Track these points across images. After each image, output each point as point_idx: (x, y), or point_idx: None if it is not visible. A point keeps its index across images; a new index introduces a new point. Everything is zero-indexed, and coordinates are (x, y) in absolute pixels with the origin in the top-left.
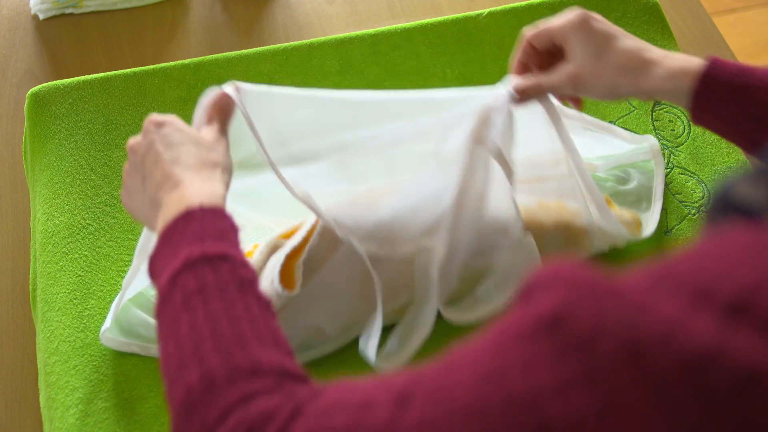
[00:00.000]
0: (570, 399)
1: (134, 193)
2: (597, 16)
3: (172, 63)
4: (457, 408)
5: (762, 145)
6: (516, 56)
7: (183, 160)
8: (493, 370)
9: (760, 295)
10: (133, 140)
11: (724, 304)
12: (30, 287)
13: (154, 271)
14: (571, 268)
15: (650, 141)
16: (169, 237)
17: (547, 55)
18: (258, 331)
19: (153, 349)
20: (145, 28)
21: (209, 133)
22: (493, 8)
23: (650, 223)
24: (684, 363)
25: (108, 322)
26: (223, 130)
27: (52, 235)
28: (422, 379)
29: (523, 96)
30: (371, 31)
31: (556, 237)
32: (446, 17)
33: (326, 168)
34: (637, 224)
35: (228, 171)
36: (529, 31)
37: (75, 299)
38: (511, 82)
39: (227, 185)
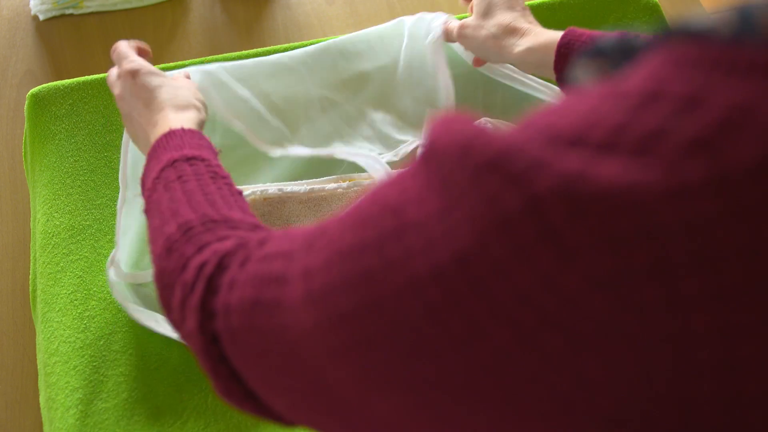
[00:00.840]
0: (425, 205)
1: (131, 122)
2: None
3: (172, 63)
4: (343, 218)
5: None
6: None
7: (160, 103)
8: (377, 196)
9: (558, 124)
10: (115, 85)
11: (540, 126)
12: (30, 288)
13: (144, 185)
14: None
15: None
16: (154, 152)
17: None
18: (229, 203)
19: (143, 317)
20: (145, 28)
21: (177, 75)
22: None
23: None
24: (494, 154)
25: (119, 257)
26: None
27: (53, 236)
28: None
29: (444, 38)
30: None
31: None
32: None
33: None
34: None
35: (199, 108)
36: None
37: (75, 300)
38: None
39: (202, 118)
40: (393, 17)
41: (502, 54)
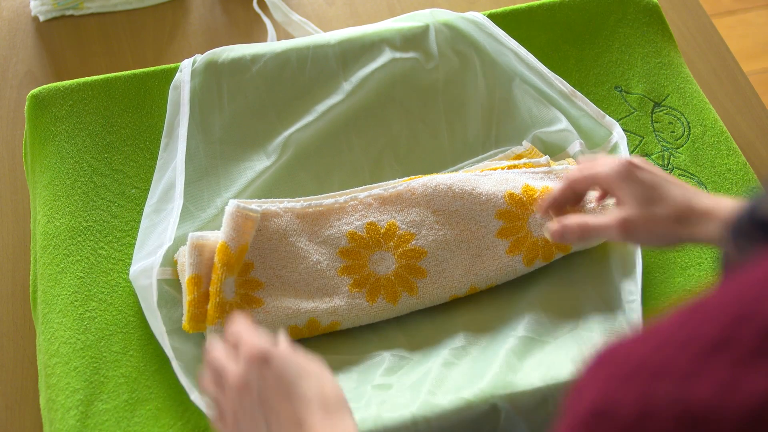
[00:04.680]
0: None
1: (258, 424)
2: (641, 164)
3: (172, 65)
4: None
5: None
6: (553, 196)
7: (305, 401)
8: None
9: None
10: (237, 378)
11: (763, 328)
12: (30, 289)
13: None
14: (606, 353)
15: (615, 128)
16: None
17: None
18: None
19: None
20: (145, 29)
21: (311, 360)
22: (492, 10)
23: None
24: (745, 419)
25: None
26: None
27: (53, 237)
28: None
29: (565, 237)
30: None
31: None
32: None
33: None
34: None
35: (348, 404)
36: (572, 175)
37: (76, 301)
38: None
39: (353, 420)
40: (392, 17)
41: (694, 235)
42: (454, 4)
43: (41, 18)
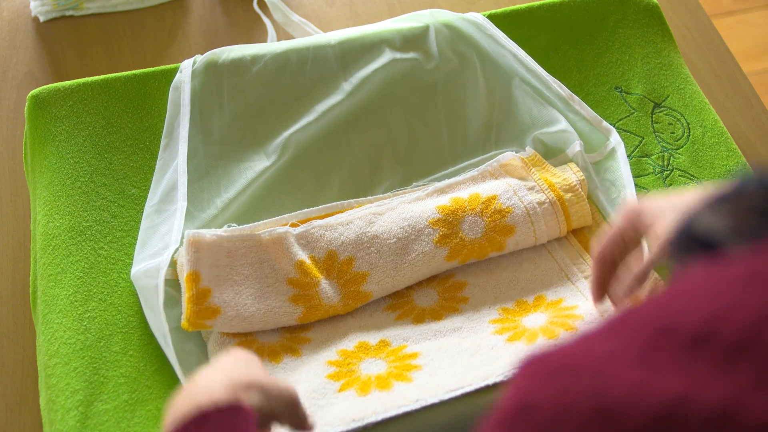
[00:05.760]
0: None
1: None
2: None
3: (172, 65)
4: None
5: None
6: (594, 280)
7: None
8: None
9: (717, 326)
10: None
11: (682, 340)
12: (30, 289)
13: None
14: (536, 355)
15: (612, 134)
16: None
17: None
18: None
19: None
20: (145, 30)
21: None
22: (493, 10)
23: None
24: (654, 418)
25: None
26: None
27: (53, 237)
28: None
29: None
30: None
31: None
32: None
33: None
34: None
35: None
36: (599, 247)
37: (76, 301)
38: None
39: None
40: (392, 17)
41: None
42: (454, 5)
43: (41, 18)
